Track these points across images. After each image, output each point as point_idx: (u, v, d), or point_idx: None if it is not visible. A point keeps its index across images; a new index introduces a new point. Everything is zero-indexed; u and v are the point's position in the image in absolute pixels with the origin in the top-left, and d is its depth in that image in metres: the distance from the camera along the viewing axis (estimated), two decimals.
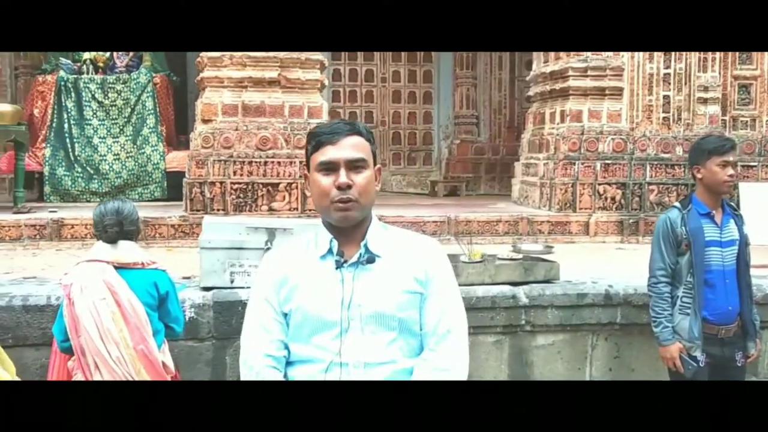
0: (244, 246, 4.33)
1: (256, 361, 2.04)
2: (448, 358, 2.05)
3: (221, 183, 6.66)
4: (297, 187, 6.71)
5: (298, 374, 2.04)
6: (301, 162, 6.68)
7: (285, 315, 2.07)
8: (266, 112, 6.83)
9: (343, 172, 2.00)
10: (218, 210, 6.63)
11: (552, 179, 7.41)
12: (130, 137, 8.74)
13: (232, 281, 4.35)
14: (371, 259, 2.04)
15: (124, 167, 8.64)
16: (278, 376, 2.04)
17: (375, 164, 2.10)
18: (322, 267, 2.06)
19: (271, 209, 6.67)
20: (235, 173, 6.68)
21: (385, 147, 12.20)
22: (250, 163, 6.70)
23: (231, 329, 4.24)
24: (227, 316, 4.26)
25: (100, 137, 8.71)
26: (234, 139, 6.73)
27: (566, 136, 7.37)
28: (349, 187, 2.00)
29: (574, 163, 7.30)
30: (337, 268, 2.04)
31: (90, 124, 8.73)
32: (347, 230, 2.06)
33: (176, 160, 8.51)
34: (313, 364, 2.02)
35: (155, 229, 6.51)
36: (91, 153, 8.64)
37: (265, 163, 6.70)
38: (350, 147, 2.02)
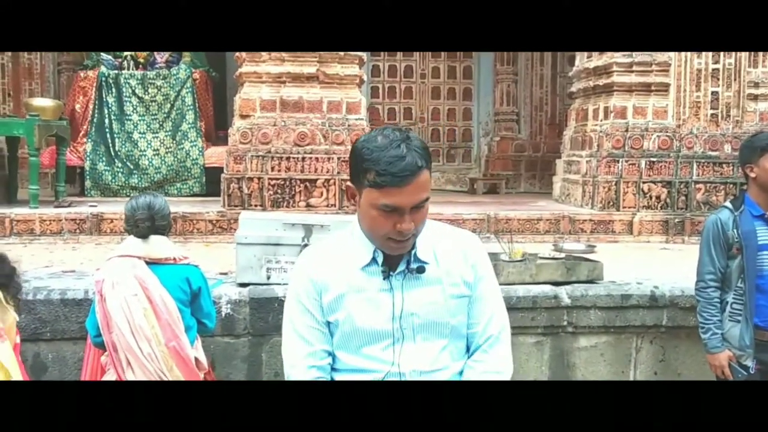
0: (280, 242, 4.29)
1: (301, 374, 1.97)
2: (500, 361, 2.02)
3: (259, 179, 6.63)
4: (335, 183, 6.65)
5: None
6: (339, 158, 6.62)
7: (328, 323, 1.99)
8: (304, 107, 6.77)
9: (407, 217, 1.84)
10: (256, 206, 6.59)
11: (595, 177, 7.25)
12: (170, 133, 8.78)
13: (268, 277, 4.31)
14: (421, 269, 1.95)
15: (163, 162, 8.68)
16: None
17: None
18: (367, 276, 1.96)
19: (308, 205, 6.62)
20: (272, 169, 6.64)
21: None
22: (287, 158, 6.65)
23: (267, 326, 4.22)
24: (263, 313, 4.23)
25: (140, 132, 8.76)
26: (272, 134, 6.68)
27: (610, 133, 7.20)
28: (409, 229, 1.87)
29: (618, 161, 7.13)
30: (384, 279, 1.95)
31: (130, 120, 8.79)
32: None
33: (215, 155, 8.50)
34: (367, 374, 1.95)
35: (193, 224, 6.52)
36: (131, 148, 8.71)
37: (303, 159, 6.65)
38: (417, 190, 1.82)
